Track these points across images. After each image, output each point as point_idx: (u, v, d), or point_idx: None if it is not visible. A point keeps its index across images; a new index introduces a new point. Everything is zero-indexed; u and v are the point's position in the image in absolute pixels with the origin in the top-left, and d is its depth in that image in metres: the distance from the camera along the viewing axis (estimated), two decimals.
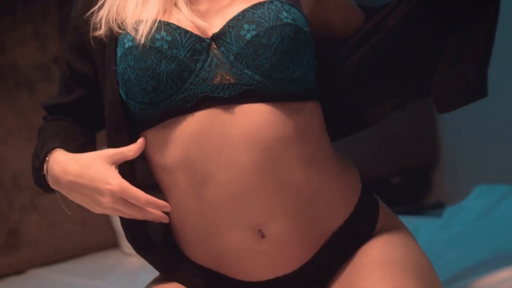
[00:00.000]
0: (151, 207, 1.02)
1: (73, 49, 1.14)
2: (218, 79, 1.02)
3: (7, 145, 2.21)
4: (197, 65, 1.02)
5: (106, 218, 2.36)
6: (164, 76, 1.00)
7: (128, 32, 1.03)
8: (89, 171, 1.03)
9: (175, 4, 1.05)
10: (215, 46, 1.03)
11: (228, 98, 1.01)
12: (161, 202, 1.02)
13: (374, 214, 1.13)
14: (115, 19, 1.06)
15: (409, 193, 3.05)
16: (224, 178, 1.01)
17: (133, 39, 1.02)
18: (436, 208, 2.76)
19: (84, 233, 2.36)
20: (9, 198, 2.21)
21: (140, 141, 1.05)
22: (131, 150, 1.05)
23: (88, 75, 1.14)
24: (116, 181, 1.01)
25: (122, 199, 1.01)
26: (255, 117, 1.01)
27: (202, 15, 1.05)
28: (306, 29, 1.05)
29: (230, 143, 1.01)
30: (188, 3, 1.05)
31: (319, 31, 1.17)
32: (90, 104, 1.16)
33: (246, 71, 1.01)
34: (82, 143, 1.13)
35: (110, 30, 1.06)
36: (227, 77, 1.02)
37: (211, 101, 1.01)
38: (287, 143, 1.03)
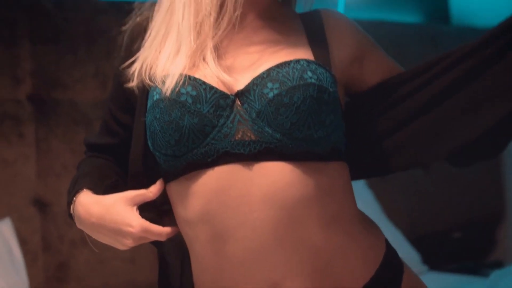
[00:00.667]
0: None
1: (114, 97, 1.18)
2: (239, 136, 1.02)
3: (61, 180, 2.27)
4: (220, 120, 1.02)
5: (156, 258, 2.38)
6: (186, 130, 1.02)
7: (157, 85, 1.05)
8: (111, 213, 1.07)
9: (204, 59, 1.06)
10: (239, 103, 1.03)
11: (248, 155, 1.02)
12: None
13: (396, 280, 1.09)
14: (147, 72, 1.08)
15: (468, 249, 2.96)
16: (242, 235, 1.01)
17: (160, 92, 1.04)
18: (494, 267, 2.67)
19: (132, 271, 2.39)
20: (60, 232, 2.26)
21: (159, 182, 1.09)
22: (151, 192, 1.09)
23: (126, 123, 1.16)
24: (137, 222, 1.05)
25: (143, 237, 1.06)
26: (274, 176, 1.01)
27: (230, 69, 1.06)
28: (331, 89, 1.05)
29: (249, 201, 1.01)
30: (217, 57, 1.06)
31: (355, 87, 1.17)
32: (127, 148, 1.18)
33: (267, 129, 1.02)
34: (114, 182, 1.15)
35: (142, 82, 1.08)
36: (248, 134, 1.02)
37: (231, 157, 1.02)
38: (308, 203, 1.02)
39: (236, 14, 1.07)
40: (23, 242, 2.20)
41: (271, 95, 1.02)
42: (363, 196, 2.56)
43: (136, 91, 1.10)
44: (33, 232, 2.24)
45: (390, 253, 1.10)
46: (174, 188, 1.07)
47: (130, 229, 1.05)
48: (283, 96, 1.02)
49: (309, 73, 1.03)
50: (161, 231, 1.06)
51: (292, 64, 1.05)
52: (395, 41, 3.00)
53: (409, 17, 3.20)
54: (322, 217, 1.03)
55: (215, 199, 1.02)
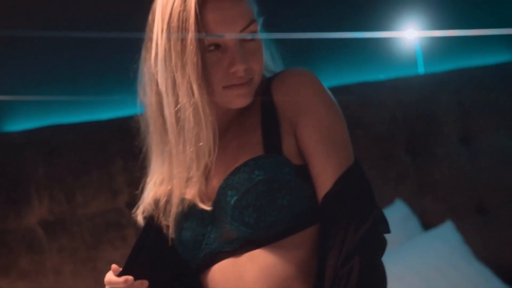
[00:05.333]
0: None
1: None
2: (224, 237, 1.24)
3: None
4: (207, 229, 1.26)
5: None
6: (185, 242, 1.28)
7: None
8: None
9: (190, 179, 1.25)
10: (217, 212, 1.24)
11: (235, 250, 1.23)
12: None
13: None
14: (148, 199, 1.33)
15: None
16: None
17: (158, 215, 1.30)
18: None
19: None
20: None
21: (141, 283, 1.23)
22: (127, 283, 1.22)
23: None
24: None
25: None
26: (260, 260, 1.20)
27: (211, 178, 1.26)
28: (281, 175, 1.19)
29: (245, 284, 1.22)
30: (203, 175, 1.25)
31: None
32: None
33: (241, 227, 1.22)
34: None
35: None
36: (230, 234, 1.23)
37: (224, 254, 1.24)
38: (295, 276, 1.20)
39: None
40: None
41: (232, 201, 1.20)
42: (450, 240, 2.60)
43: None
44: None
45: None
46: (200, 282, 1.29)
47: None
48: (241, 200, 1.20)
49: (257, 172, 1.19)
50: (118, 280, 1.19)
51: (242, 168, 1.21)
52: (478, 86, 3.03)
53: (491, 58, 3.20)
54: (310, 274, 1.20)
55: (221, 286, 1.24)
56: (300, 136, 1.23)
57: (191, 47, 1.17)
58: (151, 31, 1.25)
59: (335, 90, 2.78)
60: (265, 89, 1.26)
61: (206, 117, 1.20)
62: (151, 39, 1.25)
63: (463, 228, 2.81)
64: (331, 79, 2.93)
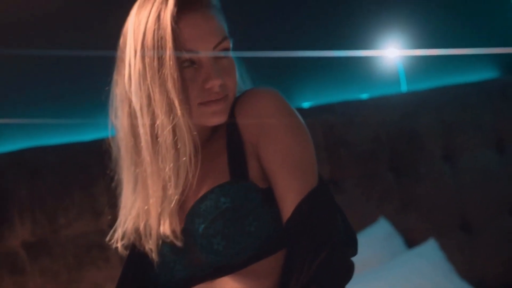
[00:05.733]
0: None
1: None
2: (194, 263, 1.23)
3: None
4: (179, 255, 1.25)
5: None
6: (160, 268, 1.27)
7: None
8: None
9: (166, 200, 1.22)
10: (187, 238, 1.23)
11: (206, 276, 1.22)
12: None
13: None
14: (126, 226, 1.31)
15: None
16: None
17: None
18: None
19: None
20: None
21: None
22: None
23: None
24: None
25: None
26: (232, 285, 1.20)
27: (182, 204, 1.24)
28: (248, 201, 1.18)
29: None
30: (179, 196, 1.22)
31: None
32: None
33: (210, 255, 1.20)
34: None
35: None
36: (200, 260, 1.22)
37: (196, 279, 1.23)
38: None
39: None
40: None
41: (200, 229, 1.19)
42: (433, 258, 2.61)
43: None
44: None
45: None
46: None
47: None
48: (209, 229, 1.18)
49: (223, 199, 1.18)
50: None
51: (208, 196, 1.20)
52: (463, 103, 3.05)
53: (474, 75, 3.22)
54: None
55: None
56: (261, 160, 1.22)
57: (170, 63, 1.18)
58: (123, 52, 1.25)
59: (318, 109, 2.85)
60: (231, 110, 1.25)
61: (188, 132, 1.19)
62: (123, 60, 1.25)
63: (447, 246, 2.81)
64: (314, 98, 2.95)
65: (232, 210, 1.17)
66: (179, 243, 1.23)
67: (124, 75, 1.25)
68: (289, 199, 1.18)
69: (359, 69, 3.05)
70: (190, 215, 1.22)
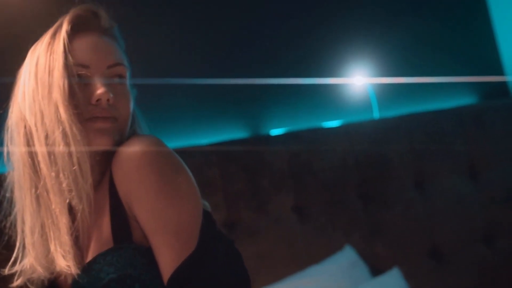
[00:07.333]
0: None
1: None
2: None
3: None
4: None
5: None
6: None
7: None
8: None
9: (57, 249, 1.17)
10: None
11: None
12: None
13: None
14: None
15: None
16: None
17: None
18: None
19: None
20: None
21: None
22: None
23: None
24: None
25: None
26: None
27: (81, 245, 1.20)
28: (131, 270, 1.10)
29: None
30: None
31: None
32: None
33: None
34: None
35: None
36: None
37: None
38: None
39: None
40: None
41: None
42: (396, 287, 2.58)
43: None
44: None
45: None
46: None
47: None
48: None
49: (106, 269, 1.11)
50: None
51: (92, 266, 1.13)
52: (434, 130, 3.03)
53: (446, 102, 3.21)
54: None
55: None
56: (137, 221, 1.14)
57: (58, 72, 1.19)
58: (19, 77, 1.28)
59: (285, 137, 2.84)
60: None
61: (74, 136, 1.16)
62: (18, 84, 1.27)
63: (415, 274, 2.78)
64: (283, 126, 2.95)
65: (117, 282, 1.09)
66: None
67: (18, 96, 1.26)
68: (166, 267, 1.11)
69: (330, 97, 3.04)
70: (74, 285, 1.15)
